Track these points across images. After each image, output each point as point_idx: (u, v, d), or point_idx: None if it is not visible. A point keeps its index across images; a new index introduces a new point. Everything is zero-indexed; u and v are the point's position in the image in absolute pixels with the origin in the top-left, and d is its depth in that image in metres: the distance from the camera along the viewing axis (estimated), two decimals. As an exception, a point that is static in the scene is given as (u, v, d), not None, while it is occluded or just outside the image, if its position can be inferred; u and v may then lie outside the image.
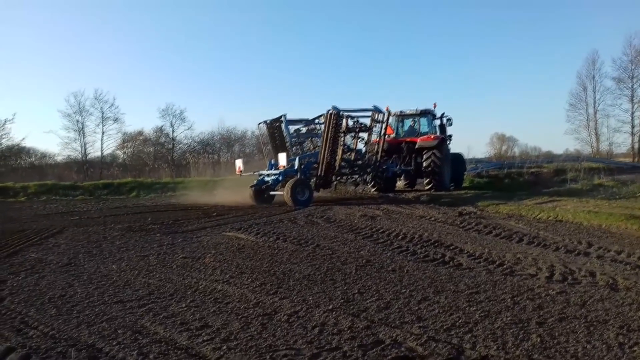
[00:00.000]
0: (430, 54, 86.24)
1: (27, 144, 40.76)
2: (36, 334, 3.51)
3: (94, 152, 41.69)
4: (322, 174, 13.78)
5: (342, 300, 4.24)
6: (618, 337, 3.23)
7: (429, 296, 4.32)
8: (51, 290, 4.78)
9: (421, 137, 16.86)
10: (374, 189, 17.17)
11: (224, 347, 3.18)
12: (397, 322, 3.63)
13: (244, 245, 7.21)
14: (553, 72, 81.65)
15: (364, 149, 15.67)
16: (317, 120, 16.16)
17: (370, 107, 14.88)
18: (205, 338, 3.36)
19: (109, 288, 4.83)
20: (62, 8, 67.25)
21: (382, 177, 16.30)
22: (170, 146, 44.17)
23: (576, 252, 6.25)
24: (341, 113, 13.75)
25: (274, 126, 15.93)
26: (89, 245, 7.37)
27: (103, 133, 41.08)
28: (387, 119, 14.83)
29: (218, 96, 77.42)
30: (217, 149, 44.63)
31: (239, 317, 3.83)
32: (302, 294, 4.46)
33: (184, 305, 4.18)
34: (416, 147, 16.66)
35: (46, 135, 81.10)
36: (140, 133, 44.74)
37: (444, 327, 3.50)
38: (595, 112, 43.91)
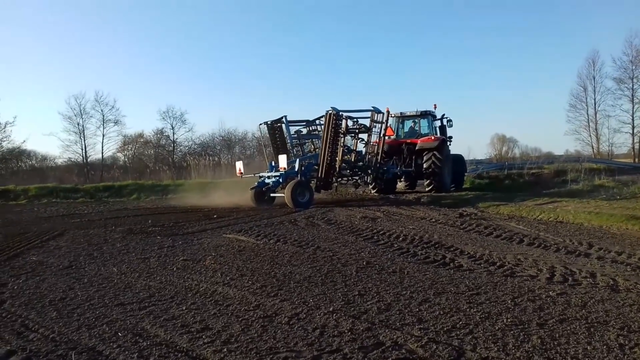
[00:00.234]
0: (430, 55, 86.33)
1: (28, 146, 41.00)
2: (37, 337, 3.52)
3: (95, 155, 41.76)
4: (323, 176, 13.78)
5: (343, 302, 4.24)
6: (619, 339, 3.23)
7: (430, 298, 4.32)
8: (52, 293, 4.78)
9: (421, 139, 16.85)
10: (374, 191, 17.16)
11: (225, 350, 3.18)
12: (398, 324, 3.63)
13: (244, 247, 7.21)
14: (553, 73, 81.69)
15: (364, 151, 15.67)
16: (317, 122, 16.18)
17: (369, 108, 14.89)
18: (205, 340, 3.36)
19: (109, 291, 4.84)
20: (61, 10, 67.42)
21: (383, 179, 16.30)
22: (170, 148, 44.19)
23: (577, 253, 6.25)
24: (340, 114, 13.76)
25: (275, 127, 15.95)
26: (90, 248, 7.38)
27: (104, 135, 41.13)
28: (387, 120, 14.83)
29: (218, 98, 77.50)
30: (218, 151, 44.65)
31: (240, 319, 3.83)
32: (303, 296, 4.47)
33: (184, 307, 4.18)
34: (416, 148, 16.65)
35: (47, 138, 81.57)
36: (140, 135, 44.80)
37: (445, 328, 3.50)
38: (596, 113, 43.84)
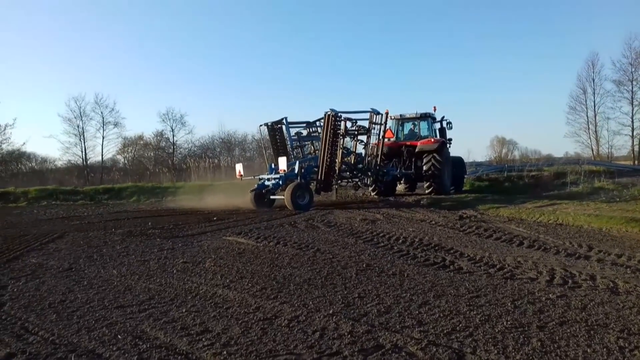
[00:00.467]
0: (430, 57, 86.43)
1: (28, 148, 40.98)
2: (36, 340, 3.51)
3: (95, 157, 41.80)
4: (322, 178, 13.79)
5: (343, 305, 4.23)
6: (618, 341, 3.22)
7: (430, 300, 4.32)
8: (51, 296, 4.78)
9: (421, 141, 16.87)
10: (374, 193, 17.16)
11: (224, 352, 3.18)
12: (398, 326, 3.63)
13: (244, 249, 7.21)
14: (553, 75, 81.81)
15: (363, 153, 15.68)
16: (317, 123, 16.18)
17: (368, 109, 14.91)
18: (205, 343, 3.36)
19: (109, 293, 4.83)
20: (62, 12, 67.54)
21: (382, 181, 16.30)
22: (170, 150, 44.22)
23: (576, 255, 6.25)
24: (339, 115, 13.77)
25: (275, 129, 15.96)
26: (90, 250, 7.37)
27: (103, 138, 41.17)
28: (385, 122, 14.84)
29: (218, 100, 77.63)
30: (218, 153, 44.67)
31: (240, 321, 3.82)
32: (303, 299, 4.46)
33: (184, 310, 4.18)
34: (416, 150, 16.66)
35: (47, 140, 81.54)
36: (140, 137, 44.85)
37: (445, 331, 3.49)
38: (595, 115, 43.86)
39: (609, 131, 43.70)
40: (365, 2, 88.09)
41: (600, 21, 72.89)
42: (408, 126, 18.33)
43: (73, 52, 68.13)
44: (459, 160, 18.69)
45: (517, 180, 20.30)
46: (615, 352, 3.06)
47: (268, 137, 16.33)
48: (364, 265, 5.85)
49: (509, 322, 3.65)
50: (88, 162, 40.85)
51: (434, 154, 16.01)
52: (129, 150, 44.55)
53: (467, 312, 3.93)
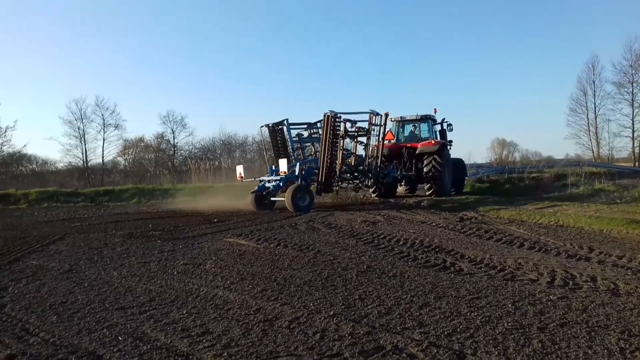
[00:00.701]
0: (430, 59, 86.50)
1: (29, 151, 41.10)
2: (37, 341, 3.52)
3: (95, 159, 41.89)
4: (323, 179, 13.79)
5: (343, 306, 4.23)
6: (619, 343, 3.22)
7: (430, 302, 4.32)
8: (52, 297, 4.78)
9: (422, 143, 16.86)
10: (374, 195, 17.15)
11: (225, 354, 3.17)
12: (398, 327, 3.63)
13: (245, 251, 7.21)
14: (553, 77, 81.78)
15: (364, 154, 15.68)
16: (318, 124, 16.18)
17: (367, 110, 14.92)
18: (206, 344, 3.36)
19: (110, 295, 4.83)
20: (62, 14, 67.66)
21: (383, 183, 16.30)
22: (171, 152, 44.29)
23: (577, 257, 6.24)
24: (338, 116, 13.79)
25: (276, 130, 15.96)
26: (90, 252, 7.38)
27: (104, 140, 41.27)
28: (385, 123, 14.85)
29: (219, 102, 77.68)
30: (218, 155, 44.71)
31: (240, 323, 3.82)
32: (303, 300, 4.46)
33: (184, 311, 4.18)
34: (417, 152, 16.65)
35: (47, 142, 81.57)
36: (141, 140, 44.94)
37: (445, 332, 3.49)
38: (596, 117, 43.81)
39: (609, 133, 43.67)
40: (366, 6, 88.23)
41: (601, 24, 72.98)
42: (409, 128, 18.34)
43: (74, 55, 68.33)
44: (459, 162, 18.67)
45: (518, 182, 20.27)
46: (616, 353, 3.05)
47: (269, 139, 16.33)
48: (365, 267, 5.85)
49: (509, 324, 3.65)
50: (89, 164, 40.95)
51: (435, 156, 16.00)
52: (130, 152, 44.68)
53: (468, 314, 3.93)
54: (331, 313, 4.03)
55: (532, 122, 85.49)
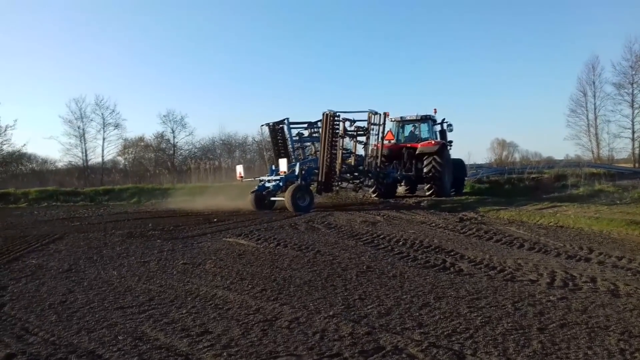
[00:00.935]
0: (430, 59, 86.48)
1: (28, 150, 40.85)
2: (36, 341, 3.51)
3: (95, 158, 41.81)
4: (323, 178, 13.80)
5: (343, 306, 4.23)
6: (619, 343, 3.22)
7: (430, 302, 4.32)
8: (52, 297, 4.78)
9: (422, 143, 16.87)
10: (374, 195, 17.16)
11: (225, 354, 3.17)
12: (398, 328, 3.63)
13: (244, 251, 7.21)
14: (553, 78, 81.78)
15: (364, 154, 15.68)
16: (319, 124, 16.18)
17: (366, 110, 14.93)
18: (205, 344, 3.35)
19: (109, 294, 4.83)
20: (62, 13, 67.67)
21: (383, 183, 16.30)
22: (171, 152, 44.26)
23: (577, 257, 6.24)
24: (337, 114, 13.81)
25: (277, 129, 15.97)
26: (90, 251, 7.37)
27: (104, 139, 41.19)
28: (384, 122, 14.86)
29: (219, 101, 77.65)
30: (218, 155, 44.69)
31: (240, 323, 3.82)
32: (303, 300, 4.46)
33: (184, 311, 4.18)
34: (417, 152, 16.66)
35: (47, 141, 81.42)
36: (141, 139, 44.86)
37: (445, 333, 3.49)
38: (596, 118, 43.80)
39: (609, 134, 43.64)
40: (367, 7, 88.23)
41: (601, 24, 72.94)
42: (408, 128, 18.35)
43: (74, 54, 68.29)
44: (459, 163, 18.68)
45: (518, 183, 20.26)
46: (616, 354, 3.05)
47: (269, 138, 16.33)
48: (365, 267, 5.85)
49: (509, 324, 3.65)
50: (88, 163, 40.88)
51: (435, 156, 16.01)
52: (130, 152, 44.60)
53: (468, 314, 3.93)
54: (331, 313, 4.03)
55: (532, 123, 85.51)
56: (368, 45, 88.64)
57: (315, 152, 16.19)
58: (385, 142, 16.05)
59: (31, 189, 21.44)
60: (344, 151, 14.93)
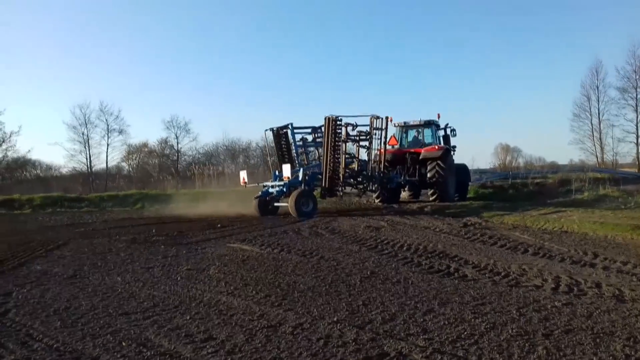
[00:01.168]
0: (433, 64, 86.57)
1: (33, 156, 41.07)
2: (41, 347, 3.52)
3: (99, 164, 41.90)
4: (327, 182, 13.81)
5: (347, 312, 4.22)
6: (625, 349, 3.20)
7: (434, 308, 4.31)
8: (56, 303, 4.79)
9: (425, 148, 16.86)
10: (378, 200, 17.14)
11: (229, 359, 3.17)
12: (402, 334, 3.62)
13: (248, 256, 7.21)
14: (557, 83, 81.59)
15: (367, 159, 15.68)
16: (322, 129, 16.20)
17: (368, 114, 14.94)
18: (209, 350, 3.36)
19: (113, 300, 4.84)
20: (66, 19, 68.13)
21: (387, 188, 16.30)
22: (175, 158, 44.38)
23: (582, 263, 6.22)
24: (339, 118, 13.84)
25: (281, 134, 15.99)
26: (94, 257, 7.39)
27: (108, 145, 41.27)
28: (386, 127, 14.85)
29: (223, 107, 77.74)
30: (222, 161, 44.78)
31: (244, 329, 3.82)
32: (307, 306, 4.46)
33: (188, 317, 4.18)
34: (420, 157, 16.65)
35: (51, 147, 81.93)
36: (145, 145, 45.02)
37: (450, 339, 3.48)
38: (600, 122, 43.60)
39: (613, 138, 43.41)
40: (371, 12, 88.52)
41: (605, 29, 72.82)
42: (412, 133, 18.34)
43: (78, 60, 68.57)
44: (463, 168, 18.65)
45: (522, 188, 20.20)
46: (621, 360, 3.04)
47: (273, 143, 16.34)
48: (368, 273, 5.84)
49: (514, 330, 3.63)
50: (93, 169, 41.00)
51: (438, 161, 16.00)
52: (134, 158, 44.76)
53: (472, 320, 3.92)
54: (335, 319, 4.02)
55: (535, 128, 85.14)
56: (371, 51, 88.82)
57: (319, 157, 16.20)
58: (389, 147, 16.03)
59: (36, 195, 21.51)
60: (347, 156, 14.94)
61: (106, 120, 40.89)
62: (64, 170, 41.38)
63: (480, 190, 20.40)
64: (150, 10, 75.49)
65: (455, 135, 17.83)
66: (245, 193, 16.27)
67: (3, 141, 36.04)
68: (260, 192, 14.54)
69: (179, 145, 44.25)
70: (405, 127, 18.19)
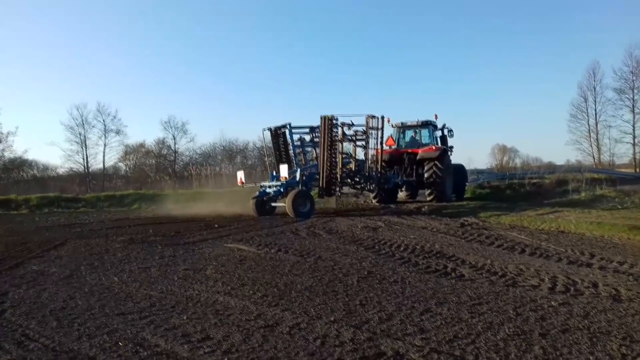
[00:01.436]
0: (431, 65, 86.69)
1: (30, 156, 41.13)
2: (37, 347, 3.51)
3: (96, 164, 41.90)
4: (324, 182, 13.81)
5: (344, 312, 4.22)
6: (621, 349, 3.21)
7: (431, 307, 4.31)
8: (52, 303, 4.78)
9: (422, 148, 16.90)
10: (375, 200, 17.16)
11: (225, 359, 3.17)
12: (399, 333, 3.62)
13: (245, 256, 7.20)
14: (554, 83, 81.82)
15: (364, 159, 15.69)
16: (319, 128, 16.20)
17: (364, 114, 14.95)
18: (206, 350, 3.35)
19: (110, 300, 4.83)
20: (64, 20, 68.02)
21: (384, 188, 16.31)
22: (172, 158, 44.34)
23: (579, 263, 6.23)
24: (335, 117, 13.84)
25: (279, 133, 15.98)
26: (91, 258, 7.37)
27: (105, 145, 41.30)
28: (383, 126, 14.87)
29: (220, 108, 77.78)
30: (219, 161, 44.75)
31: (241, 329, 3.82)
32: (304, 306, 4.45)
33: (185, 317, 4.17)
34: (417, 158, 16.68)
35: (49, 148, 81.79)
36: (142, 145, 45.00)
37: (447, 338, 3.48)
38: (597, 123, 43.86)
39: (610, 139, 43.66)
40: (368, 13, 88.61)
41: (602, 30, 73.09)
42: (409, 134, 18.37)
43: (76, 60, 68.51)
44: (460, 168, 18.69)
45: (519, 188, 20.23)
46: (617, 359, 3.04)
47: (270, 143, 16.33)
48: (366, 273, 5.84)
49: (511, 330, 3.64)
50: (90, 169, 40.98)
51: (436, 162, 16.03)
52: (131, 158, 44.72)
53: (469, 320, 3.92)
54: (332, 319, 4.02)
55: (532, 128, 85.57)
56: (369, 51, 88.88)
57: (317, 157, 16.20)
58: (386, 147, 16.05)
59: (32, 196, 21.45)
60: (344, 156, 14.94)
61: (103, 120, 40.94)
62: (61, 171, 41.37)
63: (477, 190, 20.43)
64: (148, 12, 75.44)
65: (452, 135, 17.89)
66: (243, 193, 16.26)
67: (0, 141, 36.02)
68: (257, 193, 14.53)
69: (176, 146, 44.30)
70: (403, 128, 18.21)
